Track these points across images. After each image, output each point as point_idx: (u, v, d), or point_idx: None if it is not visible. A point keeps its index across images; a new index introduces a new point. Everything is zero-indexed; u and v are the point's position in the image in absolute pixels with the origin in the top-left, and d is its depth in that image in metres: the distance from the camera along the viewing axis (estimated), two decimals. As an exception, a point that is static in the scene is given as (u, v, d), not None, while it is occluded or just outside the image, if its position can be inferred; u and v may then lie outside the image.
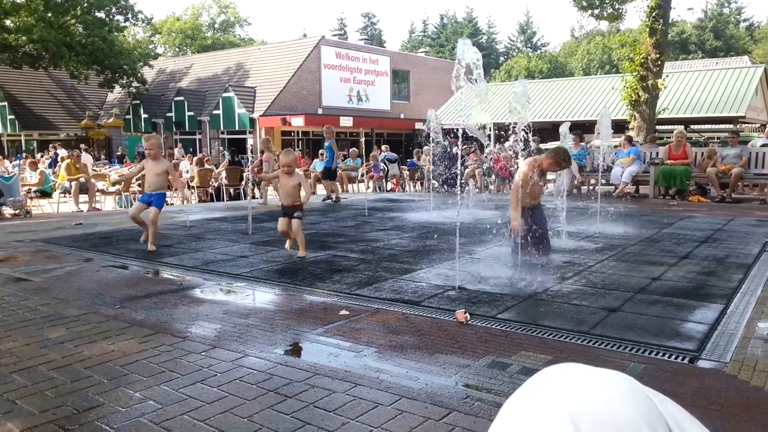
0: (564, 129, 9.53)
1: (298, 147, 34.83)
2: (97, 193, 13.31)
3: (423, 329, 3.92)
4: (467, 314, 4.12)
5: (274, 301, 4.76)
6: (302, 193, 6.62)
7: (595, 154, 13.56)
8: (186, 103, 35.11)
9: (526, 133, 6.52)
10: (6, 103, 34.99)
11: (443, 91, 34.85)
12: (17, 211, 10.84)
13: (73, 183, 12.54)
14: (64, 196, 13.09)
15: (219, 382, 3.07)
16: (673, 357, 3.39)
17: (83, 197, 12.77)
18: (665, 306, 4.38)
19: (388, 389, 2.95)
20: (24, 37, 27.95)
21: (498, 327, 3.95)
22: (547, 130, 20.38)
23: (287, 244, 6.80)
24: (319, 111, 33.41)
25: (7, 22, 28.88)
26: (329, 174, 13.31)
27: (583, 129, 16.74)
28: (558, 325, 3.95)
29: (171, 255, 6.54)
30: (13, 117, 35.37)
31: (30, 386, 3.02)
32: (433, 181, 14.67)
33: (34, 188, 12.85)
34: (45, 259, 6.27)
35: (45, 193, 13.33)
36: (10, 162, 23.01)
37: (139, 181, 14.37)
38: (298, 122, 31.72)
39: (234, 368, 3.25)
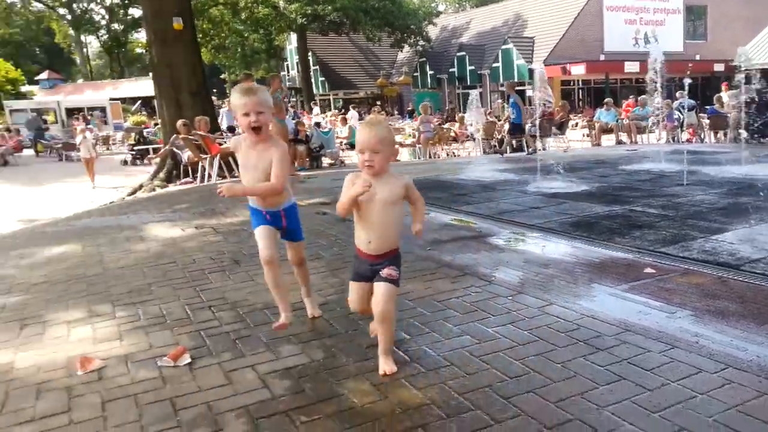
0: None
1: (578, 97, 33.37)
2: (396, 146, 14.62)
3: (746, 296, 3.55)
4: (804, 284, 3.60)
5: (571, 253, 4.75)
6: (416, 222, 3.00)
7: None
8: (467, 57, 36.01)
9: None
10: (318, 67, 40.16)
11: (750, 25, 29.77)
12: (334, 161, 12.55)
13: (375, 136, 13.97)
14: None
15: (528, 326, 3.21)
16: None
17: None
18: None
19: (710, 356, 2.77)
20: (329, 7, 31.51)
21: None
22: None
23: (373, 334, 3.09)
24: (601, 57, 31.36)
25: (316, -6, 32.86)
26: (519, 129, 13.39)
27: None
28: None
29: (467, 204, 6.94)
30: (323, 79, 40.57)
31: (367, 311, 3.55)
32: (741, 131, 12.81)
33: (344, 141, 14.68)
34: (361, 203, 7.17)
35: (353, 146, 15.15)
36: (324, 119, 26.38)
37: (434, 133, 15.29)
38: (578, 70, 30.27)
39: (541, 315, 3.37)
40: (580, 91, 33.78)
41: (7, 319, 3.83)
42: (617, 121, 17.87)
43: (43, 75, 48.16)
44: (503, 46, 33.13)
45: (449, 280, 4.04)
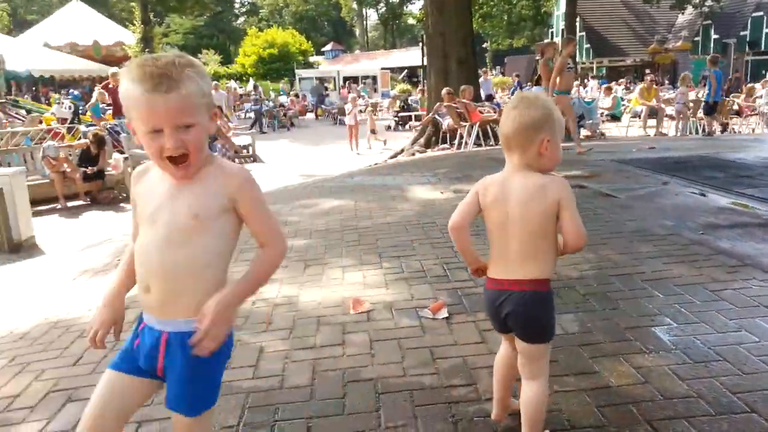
0: None
1: None
2: (665, 118, 13.34)
3: None
4: None
5: None
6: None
7: None
8: (765, 18, 30.95)
9: None
10: (584, 33, 38.10)
11: None
12: (592, 133, 11.94)
13: (644, 108, 12.90)
14: (634, 120, 13.65)
15: (826, 332, 2.76)
16: None
17: (651, 122, 13.04)
18: None
19: None
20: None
21: None
22: None
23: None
24: None
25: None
26: (709, 108, 11.87)
27: None
28: None
29: (752, 186, 6.09)
30: (588, 46, 38.39)
31: (627, 291, 3.37)
32: None
33: (607, 112, 13.84)
34: (625, 178, 6.74)
35: (615, 117, 14.23)
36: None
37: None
38: None
39: None
40: None
41: (294, 259, 4.47)
42: None
43: (328, 47, 53.72)
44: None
45: (725, 270, 3.63)
